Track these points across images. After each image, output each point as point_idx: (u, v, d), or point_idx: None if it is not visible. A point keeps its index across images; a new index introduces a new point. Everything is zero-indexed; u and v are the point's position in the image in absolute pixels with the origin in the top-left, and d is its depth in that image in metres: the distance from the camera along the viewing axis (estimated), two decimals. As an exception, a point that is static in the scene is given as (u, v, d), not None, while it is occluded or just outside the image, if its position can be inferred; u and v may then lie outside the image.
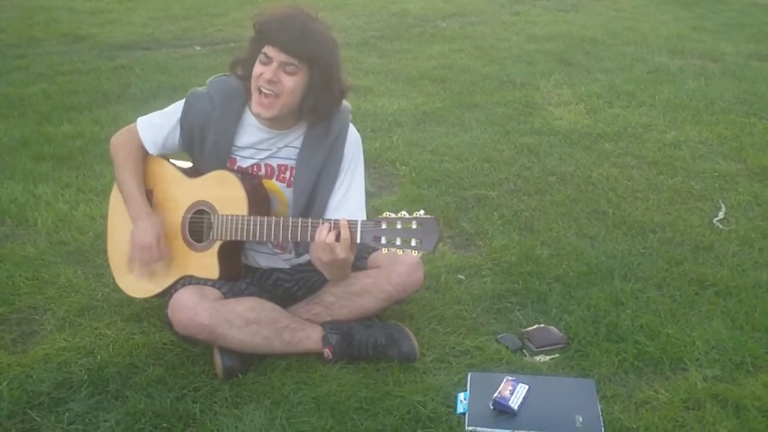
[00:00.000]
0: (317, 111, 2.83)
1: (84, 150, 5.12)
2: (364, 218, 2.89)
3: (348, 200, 2.95)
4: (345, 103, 2.98)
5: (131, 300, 3.28)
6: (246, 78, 2.83)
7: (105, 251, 3.19)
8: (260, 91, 2.75)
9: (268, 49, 2.73)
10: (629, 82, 6.80)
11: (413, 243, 2.50)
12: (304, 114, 2.85)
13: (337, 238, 2.58)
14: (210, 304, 2.76)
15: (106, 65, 7.39)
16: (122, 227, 3.03)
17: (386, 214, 2.55)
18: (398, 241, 2.51)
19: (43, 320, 3.23)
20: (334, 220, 2.62)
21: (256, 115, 2.82)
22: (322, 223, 2.62)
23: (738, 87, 6.65)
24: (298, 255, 3.09)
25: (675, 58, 7.67)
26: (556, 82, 6.81)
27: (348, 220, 2.60)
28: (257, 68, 2.76)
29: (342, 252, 2.58)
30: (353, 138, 2.99)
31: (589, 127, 5.59)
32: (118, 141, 3.03)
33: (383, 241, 2.53)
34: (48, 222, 4.06)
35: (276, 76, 2.72)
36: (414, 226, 2.50)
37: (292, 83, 2.74)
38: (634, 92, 6.46)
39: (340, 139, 2.93)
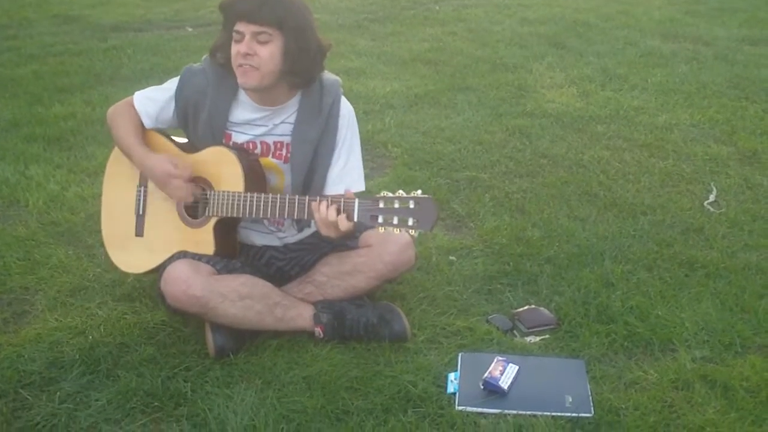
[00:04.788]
0: (298, 74, 2.83)
1: (75, 131, 5.11)
2: (363, 188, 2.93)
3: (347, 172, 2.97)
4: (334, 76, 2.99)
5: (123, 280, 3.29)
6: (226, 63, 2.83)
7: (97, 231, 3.19)
8: (240, 67, 2.76)
9: (238, 25, 2.74)
10: (622, 65, 6.79)
11: (410, 222, 2.51)
12: (286, 81, 2.84)
13: (338, 212, 2.60)
14: (203, 277, 2.77)
15: (97, 46, 7.38)
16: (117, 203, 3.04)
17: (384, 193, 2.56)
18: (395, 220, 2.52)
19: (34, 300, 3.23)
20: (332, 197, 2.64)
21: (242, 86, 2.82)
22: (320, 202, 2.64)
23: (730, 71, 6.65)
24: (300, 230, 3.09)
25: (667, 42, 7.67)
26: (549, 65, 6.80)
27: (344, 199, 2.61)
28: (233, 48, 2.77)
29: (344, 226, 2.61)
30: (346, 110, 2.99)
31: (581, 110, 5.59)
32: (116, 109, 3.02)
33: (380, 220, 2.54)
34: (39, 203, 4.05)
35: (251, 48, 2.72)
36: (411, 206, 2.51)
37: (268, 52, 2.74)
38: (627, 75, 6.46)
39: (334, 112, 2.94)
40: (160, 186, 2.91)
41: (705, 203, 4.14)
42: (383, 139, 4.96)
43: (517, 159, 4.71)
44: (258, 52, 2.73)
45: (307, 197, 2.70)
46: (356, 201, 2.59)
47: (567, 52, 7.24)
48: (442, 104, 5.73)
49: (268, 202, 2.75)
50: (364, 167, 3.06)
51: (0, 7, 9.15)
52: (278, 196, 2.74)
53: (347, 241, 2.94)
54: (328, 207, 2.62)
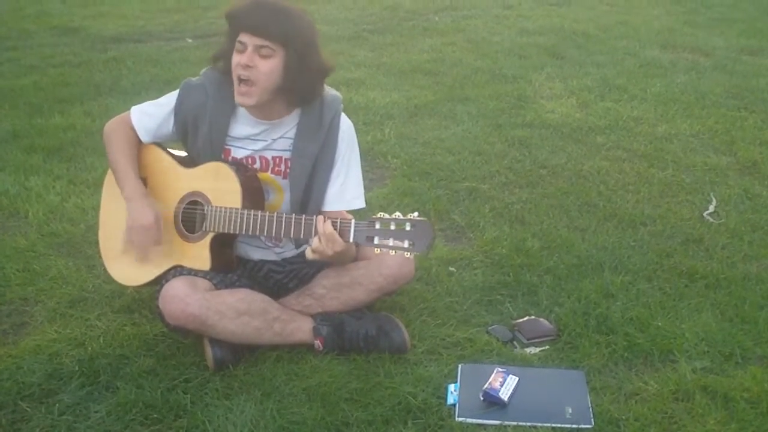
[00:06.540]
0: (296, 92, 2.83)
1: (75, 142, 5.12)
2: (363, 205, 2.92)
3: (346, 189, 2.96)
4: (335, 92, 2.99)
5: (122, 291, 3.28)
6: (228, 71, 2.83)
7: (96, 242, 3.18)
8: (239, 80, 2.76)
9: (242, 36, 2.73)
10: (621, 75, 6.80)
11: (406, 244, 2.52)
12: (284, 97, 2.84)
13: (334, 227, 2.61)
14: (201, 294, 2.76)
15: (97, 58, 7.38)
16: (115, 216, 3.03)
17: (380, 214, 2.56)
18: (391, 242, 2.53)
19: (33, 312, 3.23)
20: (328, 217, 2.65)
21: (239, 104, 2.82)
22: (317, 219, 2.65)
23: (729, 81, 6.66)
24: (298, 246, 3.09)
25: (666, 52, 7.68)
26: (548, 75, 6.81)
27: (341, 220, 2.62)
28: (234, 58, 2.76)
29: (339, 246, 2.62)
30: (346, 126, 2.99)
31: (580, 121, 5.60)
32: (112, 127, 3.02)
33: (376, 241, 2.55)
34: (39, 214, 4.05)
35: (251, 60, 2.72)
36: (407, 228, 2.52)
37: (267, 67, 2.73)
38: (626, 86, 6.47)
39: (333, 128, 2.93)
40: (131, 229, 2.87)
41: (705, 214, 4.14)
42: (383, 150, 4.96)
43: (516, 170, 4.72)
44: (258, 65, 2.73)
45: (303, 216, 2.71)
46: (352, 222, 2.60)
47: (566, 63, 7.25)
48: (442, 115, 5.74)
49: (264, 219, 2.75)
50: (364, 179, 3.06)
51: (0, 18, 9.17)
52: (275, 214, 2.75)
53: (342, 262, 2.94)
54: (324, 222, 2.63)
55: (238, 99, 2.79)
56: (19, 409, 2.65)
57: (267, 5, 2.75)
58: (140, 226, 2.85)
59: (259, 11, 2.72)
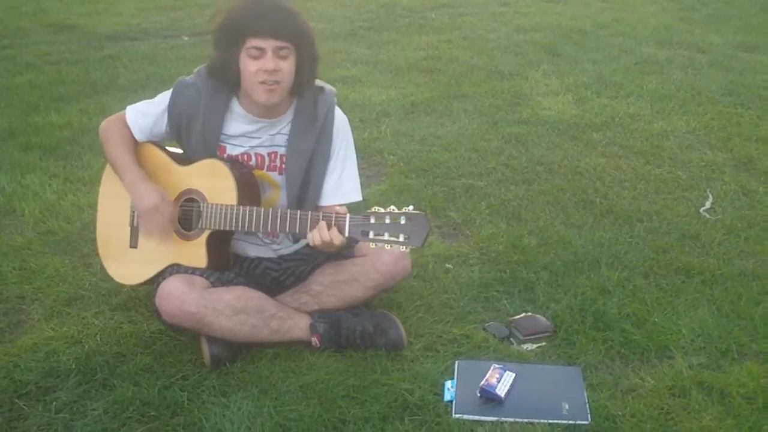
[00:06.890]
0: (302, 84, 2.84)
1: (72, 140, 5.11)
2: (360, 198, 2.93)
3: (343, 183, 2.97)
4: (329, 87, 2.99)
5: (119, 289, 3.28)
6: (229, 81, 2.82)
7: (93, 240, 3.18)
8: (263, 84, 2.74)
9: (256, 41, 2.71)
10: (617, 72, 6.81)
11: (401, 238, 2.53)
12: (293, 91, 2.85)
13: (328, 227, 2.62)
14: (198, 292, 2.76)
15: (93, 55, 7.37)
16: (112, 214, 3.03)
17: (375, 208, 2.57)
18: (386, 236, 2.53)
19: (30, 310, 3.23)
20: (323, 213, 2.65)
21: (265, 103, 2.79)
22: (312, 218, 2.65)
23: (725, 78, 6.67)
24: (296, 241, 3.09)
25: (663, 49, 7.68)
26: (545, 72, 6.81)
27: (336, 215, 2.62)
28: (251, 65, 2.73)
29: (337, 240, 2.63)
30: (340, 120, 2.99)
31: (576, 117, 5.60)
32: (108, 124, 3.02)
33: (371, 235, 2.55)
34: (35, 212, 4.05)
35: (277, 64, 2.72)
36: (403, 222, 2.53)
37: (288, 67, 2.75)
38: (622, 83, 6.47)
39: (328, 122, 2.94)
40: (141, 215, 2.87)
41: (701, 210, 4.15)
42: (379, 147, 4.96)
43: (513, 166, 4.72)
44: (281, 67, 2.73)
45: (298, 212, 2.71)
46: (347, 217, 2.61)
47: (562, 60, 7.26)
48: (438, 112, 5.74)
49: (260, 215, 2.75)
50: (361, 176, 3.06)
51: (-4, 16, 9.18)
52: (270, 209, 2.75)
53: (343, 251, 2.95)
54: (330, 230, 2.63)
55: (262, 96, 2.77)
56: (16, 407, 2.65)
57: (275, 6, 2.74)
58: (149, 209, 2.84)
59: (272, 14, 2.71)
